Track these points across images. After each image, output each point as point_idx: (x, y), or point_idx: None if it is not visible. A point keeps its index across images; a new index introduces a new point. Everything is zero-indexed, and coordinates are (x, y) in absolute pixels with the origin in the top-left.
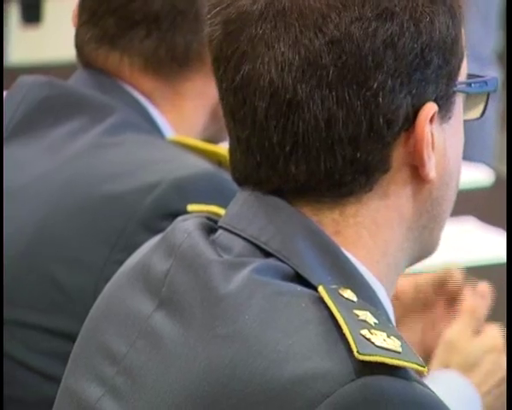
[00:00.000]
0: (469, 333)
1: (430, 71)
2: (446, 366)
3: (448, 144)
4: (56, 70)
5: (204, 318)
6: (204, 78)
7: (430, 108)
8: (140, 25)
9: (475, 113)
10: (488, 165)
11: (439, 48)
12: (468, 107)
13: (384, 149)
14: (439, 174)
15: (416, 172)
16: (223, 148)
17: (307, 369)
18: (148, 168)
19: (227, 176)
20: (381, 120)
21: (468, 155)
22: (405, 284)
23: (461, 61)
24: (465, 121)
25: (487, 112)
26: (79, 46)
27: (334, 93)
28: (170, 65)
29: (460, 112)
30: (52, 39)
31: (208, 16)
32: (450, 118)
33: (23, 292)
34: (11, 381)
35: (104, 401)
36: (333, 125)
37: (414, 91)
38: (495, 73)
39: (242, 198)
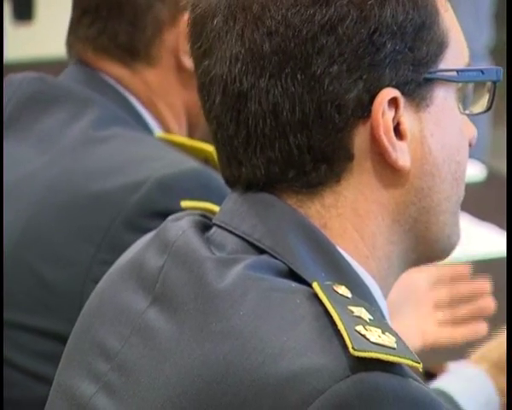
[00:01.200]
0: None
1: (382, 55)
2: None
3: (427, 134)
4: (48, 66)
5: (198, 314)
6: (158, 72)
7: (386, 93)
8: (86, 15)
9: (481, 106)
10: (480, 160)
11: (393, 33)
12: (475, 99)
13: (338, 134)
14: (417, 163)
15: (385, 161)
16: (209, 145)
17: (302, 365)
18: (134, 166)
19: (213, 173)
20: (328, 106)
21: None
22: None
23: (441, 47)
24: (474, 115)
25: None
26: (66, 43)
27: (277, 82)
28: (117, 53)
29: (448, 101)
30: (44, 36)
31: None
32: (427, 106)
33: (12, 293)
34: (5, 382)
35: (98, 398)
36: (279, 113)
37: (365, 76)
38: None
39: (234, 196)
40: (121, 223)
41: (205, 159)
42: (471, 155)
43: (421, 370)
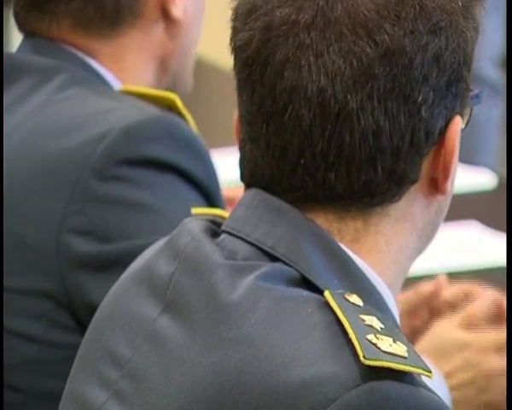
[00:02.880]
0: (455, 326)
1: (461, 85)
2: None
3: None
4: None
5: (209, 322)
6: (140, 31)
7: (459, 121)
8: None
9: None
10: (491, 168)
11: (468, 63)
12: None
13: (421, 161)
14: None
15: (434, 184)
16: (172, 93)
17: (313, 373)
18: (98, 119)
19: (177, 120)
20: (421, 133)
21: (471, 159)
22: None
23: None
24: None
25: (490, 116)
26: (14, 15)
27: (382, 105)
28: (100, 24)
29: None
30: None
31: (241, 21)
32: (461, 130)
33: (4, 257)
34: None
35: (109, 405)
36: (379, 136)
37: (448, 105)
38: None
39: (248, 201)
40: (89, 173)
41: (168, 107)
42: (482, 164)
43: (432, 379)
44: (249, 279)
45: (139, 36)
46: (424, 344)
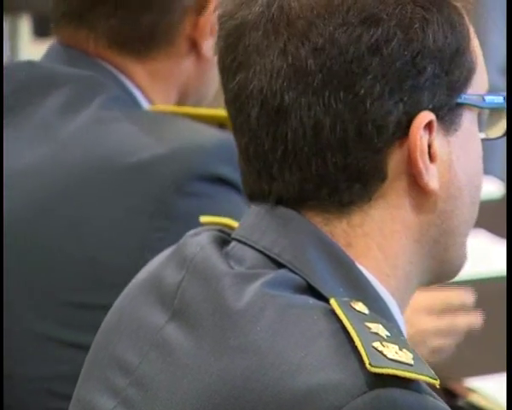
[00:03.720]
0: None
1: (423, 79)
2: None
3: (454, 157)
4: None
5: (216, 329)
6: (171, 59)
7: (424, 116)
8: (107, 2)
9: (499, 130)
10: (498, 177)
11: (433, 57)
12: (491, 123)
13: (376, 155)
14: (444, 187)
15: (416, 183)
16: (220, 110)
17: (319, 381)
18: (166, 137)
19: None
20: (369, 126)
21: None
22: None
23: (470, 73)
24: (491, 139)
25: None
26: (53, 23)
27: (320, 100)
28: (135, 44)
29: (472, 126)
30: None
31: (219, 26)
32: (456, 130)
33: (63, 271)
34: (51, 359)
35: None
36: (320, 130)
37: (405, 99)
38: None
39: (255, 211)
40: (172, 189)
41: (219, 125)
42: (489, 173)
43: (438, 386)
44: (255, 286)
45: (170, 63)
46: None
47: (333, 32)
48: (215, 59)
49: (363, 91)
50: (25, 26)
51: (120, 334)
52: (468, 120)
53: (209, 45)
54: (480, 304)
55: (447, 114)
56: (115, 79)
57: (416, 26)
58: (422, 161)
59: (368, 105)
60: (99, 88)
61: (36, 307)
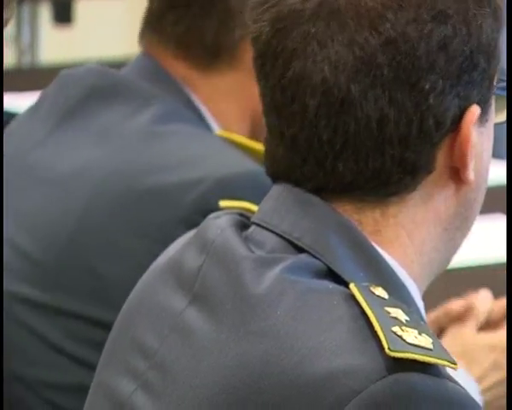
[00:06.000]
0: (473, 331)
1: (477, 74)
2: None
3: (484, 147)
4: None
5: (236, 314)
6: (234, 75)
7: (475, 110)
8: (173, 9)
9: (503, 116)
10: None
11: (485, 51)
12: (497, 109)
13: (431, 149)
14: (475, 177)
15: (456, 174)
16: None
17: (339, 365)
18: (193, 163)
19: None
20: (430, 121)
21: (496, 152)
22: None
23: (499, 64)
24: (499, 124)
25: None
26: (140, 32)
27: (387, 93)
28: (200, 53)
29: (493, 116)
30: (83, 39)
31: (254, 13)
32: (487, 121)
33: (64, 279)
34: (49, 366)
35: (136, 396)
36: (384, 124)
37: (462, 94)
38: None
39: (276, 194)
40: (179, 220)
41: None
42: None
43: (457, 370)
44: (275, 272)
45: (234, 82)
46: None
47: (405, 27)
48: None
49: (427, 87)
50: (45, 11)
51: (141, 318)
52: (492, 109)
53: None
54: (498, 289)
55: (485, 106)
56: (183, 94)
57: (477, 21)
58: (471, 154)
59: (431, 100)
60: (157, 101)
61: (42, 311)
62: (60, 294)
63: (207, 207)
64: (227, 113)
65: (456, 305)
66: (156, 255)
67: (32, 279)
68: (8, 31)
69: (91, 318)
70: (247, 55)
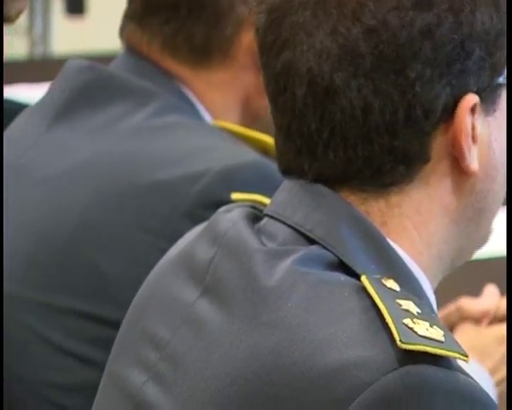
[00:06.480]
0: (482, 327)
1: (471, 62)
2: None
3: (493, 138)
4: (99, 60)
5: (247, 306)
6: (228, 72)
7: (470, 99)
8: (160, 10)
9: None
10: None
11: (481, 39)
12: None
13: (423, 138)
14: (483, 167)
15: (457, 164)
16: (268, 136)
17: (350, 357)
18: (196, 156)
19: (274, 165)
20: (418, 110)
21: None
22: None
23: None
24: None
25: None
26: (121, 25)
27: (370, 82)
28: (188, 54)
29: (505, 105)
30: (95, 30)
31: (254, 5)
32: (495, 111)
33: (66, 278)
34: (51, 366)
35: (148, 387)
36: (369, 113)
37: (454, 82)
38: None
39: (288, 187)
40: (182, 213)
41: (263, 150)
42: None
43: (468, 362)
44: (287, 263)
45: (227, 76)
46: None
47: (385, 15)
48: None
49: (413, 75)
50: (57, 2)
51: (152, 309)
52: (504, 100)
53: None
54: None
55: (489, 96)
56: (175, 88)
57: (467, 9)
58: (466, 144)
59: (418, 88)
60: (153, 98)
61: (42, 310)
62: (61, 293)
63: (212, 200)
64: (219, 107)
65: (468, 305)
66: (161, 250)
67: (32, 280)
68: (21, 22)
69: (94, 316)
70: (240, 49)
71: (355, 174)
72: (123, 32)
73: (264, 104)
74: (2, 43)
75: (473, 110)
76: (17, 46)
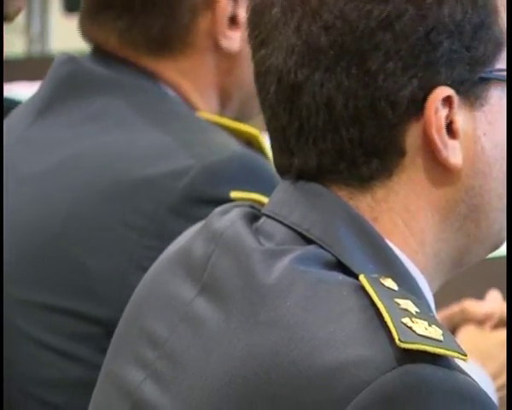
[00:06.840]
0: (485, 331)
1: (439, 54)
2: None
3: (480, 133)
4: None
5: (245, 304)
6: (191, 59)
7: (440, 92)
8: (113, 5)
9: None
10: None
11: (450, 32)
12: None
13: (391, 131)
14: (469, 162)
15: (436, 158)
16: (253, 128)
17: (348, 356)
18: (179, 151)
19: (258, 156)
20: (382, 102)
21: None
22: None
23: (497, 47)
24: None
25: None
26: (78, 23)
27: (332, 76)
28: (147, 47)
29: (502, 101)
30: None
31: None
32: (482, 105)
33: (51, 276)
34: (34, 363)
35: (146, 386)
36: (332, 107)
37: (420, 74)
38: None
39: (284, 186)
40: (167, 209)
41: (247, 141)
42: None
43: (466, 362)
44: (284, 262)
45: (191, 64)
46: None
47: (343, 8)
48: (243, 51)
49: (375, 67)
50: (55, 1)
51: (150, 307)
52: (497, 94)
53: (232, 41)
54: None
55: (471, 89)
56: (144, 77)
57: (430, 1)
58: (439, 137)
59: (380, 81)
60: (131, 92)
61: (25, 307)
62: (45, 290)
63: (197, 195)
64: (193, 93)
65: (472, 307)
66: (146, 247)
67: (16, 276)
68: (19, 20)
69: (72, 312)
70: (199, 34)
71: (331, 167)
72: (81, 29)
73: (233, 81)
74: (2, 42)
75: (450, 104)
76: (15, 44)
